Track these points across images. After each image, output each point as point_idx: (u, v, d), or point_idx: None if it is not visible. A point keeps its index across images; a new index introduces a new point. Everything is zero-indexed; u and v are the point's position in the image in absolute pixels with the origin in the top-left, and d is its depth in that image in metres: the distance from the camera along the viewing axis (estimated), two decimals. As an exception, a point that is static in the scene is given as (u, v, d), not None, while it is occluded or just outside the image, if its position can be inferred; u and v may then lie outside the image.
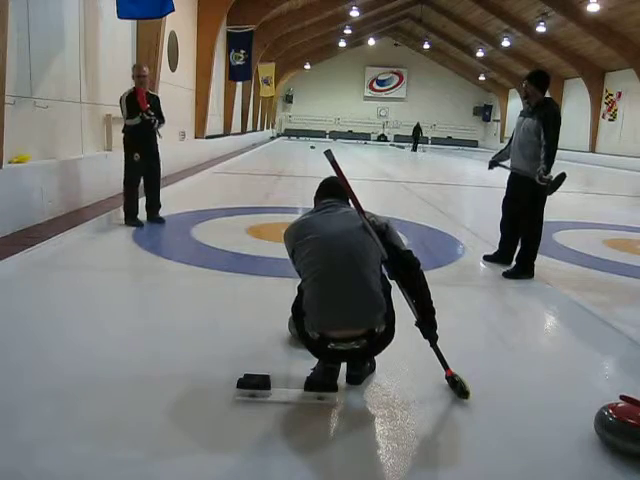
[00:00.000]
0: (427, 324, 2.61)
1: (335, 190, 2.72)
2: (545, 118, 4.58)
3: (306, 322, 2.48)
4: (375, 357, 2.73)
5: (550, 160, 4.55)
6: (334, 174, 2.65)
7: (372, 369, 2.79)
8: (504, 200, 5.14)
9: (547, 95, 4.82)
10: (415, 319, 2.64)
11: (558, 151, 4.67)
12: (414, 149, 28.35)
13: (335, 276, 2.42)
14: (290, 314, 2.99)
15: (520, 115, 4.93)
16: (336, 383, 2.60)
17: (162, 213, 6.79)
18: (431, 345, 2.65)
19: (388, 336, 2.50)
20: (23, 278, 4.12)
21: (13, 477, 1.96)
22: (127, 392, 2.55)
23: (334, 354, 2.48)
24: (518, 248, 4.93)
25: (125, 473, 2.02)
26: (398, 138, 36.18)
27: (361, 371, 2.70)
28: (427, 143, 35.85)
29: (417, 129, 29.02)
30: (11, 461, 2.03)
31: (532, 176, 4.61)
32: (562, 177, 4.59)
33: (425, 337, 2.63)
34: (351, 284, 2.41)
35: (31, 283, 4.10)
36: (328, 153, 2.57)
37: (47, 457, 2.07)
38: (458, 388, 2.62)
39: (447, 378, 2.69)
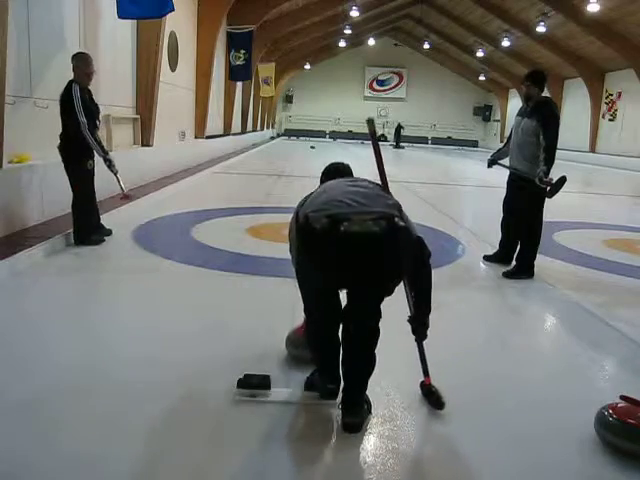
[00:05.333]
0: (421, 324, 2.53)
1: (343, 172, 2.63)
2: (544, 119, 4.58)
3: (311, 218, 2.16)
4: (374, 366, 2.39)
5: (550, 162, 4.55)
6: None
7: (369, 410, 2.45)
8: (504, 200, 5.14)
9: (545, 94, 4.82)
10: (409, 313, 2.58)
11: (558, 151, 4.67)
12: (397, 146, 31.13)
13: (343, 197, 2.23)
14: (287, 333, 2.95)
15: (518, 115, 4.93)
16: (335, 390, 2.49)
17: (163, 213, 6.81)
18: (416, 342, 2.58)
19: (409, 245, 2.24)
20: (22, 278, 4.12)
21: (12, 477, 1.97)
22: (126, 392, 2.55)
23: (347, 242, 2.10)
24: (518, 248, 4.93)
25: (125, 472, 2.02)
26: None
27: (359, 416, 2.36)
28: (429, 143, 36.02)
29: (398, 128, 32.23)
30: (11, 460, 2.04)
31: (531, 177, 4.61)
32: (563, 180, 4.60)
33: (414, 333, 2.56)
34: (363, 192, 2.27)
35: (31, 284, 4.10)
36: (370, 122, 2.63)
37: (47, 456, 2.07)
38: (434, 399, 2.53)
39: (422, 386, 2.61)
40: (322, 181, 2.65)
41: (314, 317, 2.51)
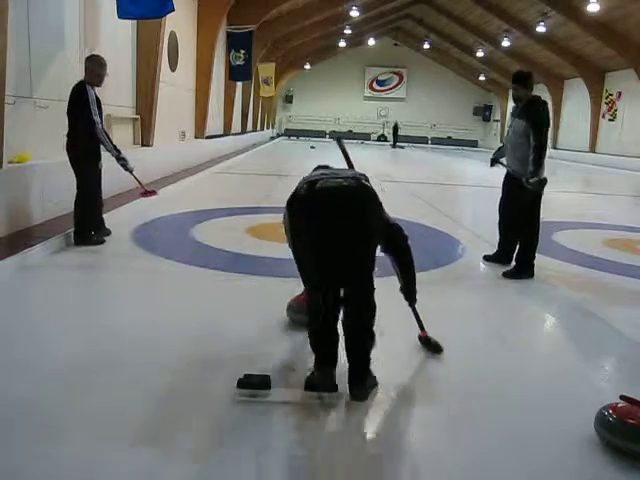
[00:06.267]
0: (410, 290, 2.94)
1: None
2: (533, 120, 4.58)
3: (296, 190, 2.65)
4: (374, 340, 2.57)
5: (538, 162, 4.54)
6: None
7: (374, 384, 2.66)
8: (501, 200, 5.14)
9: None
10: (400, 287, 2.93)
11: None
12: (394, 146, 31.49)
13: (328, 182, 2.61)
14: (287, 302, 3.25)
15: (511, 115, 4.95)
16: (335, 383, 2.58)
17: (163, 213, 6.81)
18: (410, 305, 2.99)
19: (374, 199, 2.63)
20: (22, 278, 4.12)
21: (12, 476, 1.97)
22: (127, 392, 2.55)
23: (323, 195, 2.54)
24: (517, 248, 4.93)
25: (125, 472, 2.02)
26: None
27: (364, 387, 2.58)
28: (429, 142, 36.02)
29: (395, 128, 32.80)
30: (9, 460, 2.04)
31: (522, 176, 4.61)
32: (543, 182, 4.60)
33: (406, 299, 2.97)
34: (336, 169, 2.76)
35: (31, 283, 4.10)
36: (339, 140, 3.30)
37: (46, 454, 2.08)
38: (432, 345, 3.02)
39: (420, 338, 3.06)
40: None
41: (315, 310, 2.63)
